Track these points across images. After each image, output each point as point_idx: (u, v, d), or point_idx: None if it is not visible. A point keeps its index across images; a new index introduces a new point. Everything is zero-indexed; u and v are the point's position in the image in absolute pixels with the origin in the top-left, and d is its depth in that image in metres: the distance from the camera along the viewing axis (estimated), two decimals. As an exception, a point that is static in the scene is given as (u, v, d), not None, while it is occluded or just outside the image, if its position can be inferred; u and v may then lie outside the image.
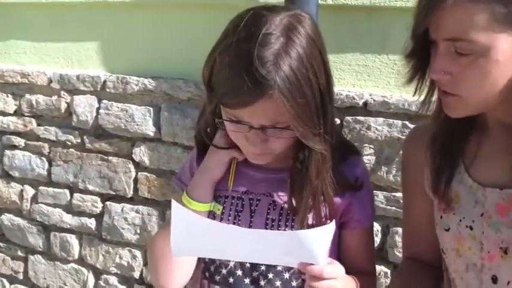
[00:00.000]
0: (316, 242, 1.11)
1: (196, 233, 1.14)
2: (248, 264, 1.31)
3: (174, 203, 1.10)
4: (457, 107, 1.11)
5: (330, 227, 1.11)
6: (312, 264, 1.13)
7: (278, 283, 1.30)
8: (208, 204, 1.31)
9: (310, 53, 1.13)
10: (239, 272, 1.31)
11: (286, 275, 1.31)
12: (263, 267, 1.30)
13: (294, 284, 1.31)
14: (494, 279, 1.16)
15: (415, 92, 1.21)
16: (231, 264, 1.32)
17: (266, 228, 1.30)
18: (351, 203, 1.33)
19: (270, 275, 1.30)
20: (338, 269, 1.18)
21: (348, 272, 1.30)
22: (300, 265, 1.14)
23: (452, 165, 1.21)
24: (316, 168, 1.23)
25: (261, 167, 1.33)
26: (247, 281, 1.31)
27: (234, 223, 1.31)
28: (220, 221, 1.32)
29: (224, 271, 1.32)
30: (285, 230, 1.29)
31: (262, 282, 1.30)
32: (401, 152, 1.90)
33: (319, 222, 1.28)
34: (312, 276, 1.13)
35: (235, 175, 1.35)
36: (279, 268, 1.30)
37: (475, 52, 1.02)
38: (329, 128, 1.21)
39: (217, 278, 1.33)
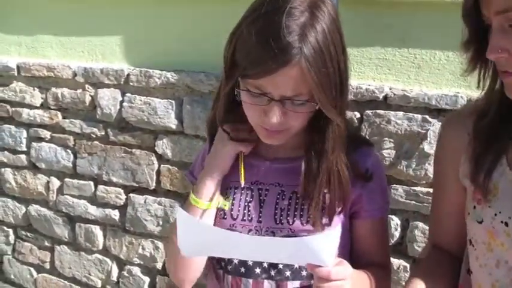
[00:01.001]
0: (323, 246, 1.12)
1: (202, 238, 1.17)
2: None
3: (179, 210, 1.14)
4: None
5: (336, 232, 1.12)
6: (320, 265, 1.13)
7: (288, 273, 1.32)
8: (216, 202, 1.32)
9: (332, 30, 1.16)
10: (250, 262, 1.33)
11: (296, 265, 1.32)
12: None
13: (303, 273, 1.32)
14: None
15: (478, 84, 1.17)
16: None
17: (275, 219, 1.31)
18: (361, 193, 1.34)
19: (280, 265, 1.32)
20: (346, 269, 1.18)
21: (360, 263, 1.31)
22: (308, 266, 1.15)
23: (495, 156, 1.17)
24: (333, 141, 1.25)
25: (270, 157, 1.35)
26: (258, 270, 1.32)
27: (243, 214, 1.33)
28: (230, 212, 1.34)
29: (236, 261, 1.34)
30: (293, 219, 1.30)
31: (272, 272, 1.32)
32: (421, 146, 1.91)
33: (332, 212, 1.30)
34: (319, 278, 1.14)
35: (245, 165, 1.36)
36: None
37: None
38: (344, 105, 1.24)
39: (229, 268, 1.35)
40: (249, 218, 1.33)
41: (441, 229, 1.39)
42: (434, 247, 1.42)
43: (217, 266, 1.39)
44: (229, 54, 1.23)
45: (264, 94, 1.17)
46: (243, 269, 1.34)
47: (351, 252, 1.40)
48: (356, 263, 1.31)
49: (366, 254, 1.39)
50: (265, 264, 1.32)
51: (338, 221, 1.32)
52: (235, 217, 1.34)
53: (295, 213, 1.31)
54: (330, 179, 1.28)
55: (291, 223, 1.31)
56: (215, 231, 1.21)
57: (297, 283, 1.32)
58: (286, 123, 1.21)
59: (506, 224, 1.14)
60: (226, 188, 1.37)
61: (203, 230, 1.18)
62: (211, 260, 1.39)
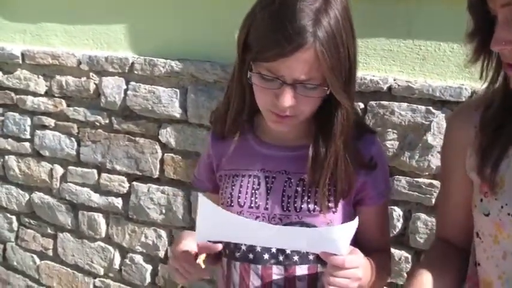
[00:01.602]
0: (340, 237, 1.15)
1: (221, 224, 1.21)
2: None
3: (201, 197, 1.18)
4: None
5: (354, 223, 1.15)
6: (333, 254, 1.16)
7: (296, 257, 1.35)
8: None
9: (343, 17, 1.20)
10: (258, 248, 1.35)
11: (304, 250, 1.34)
12: None
13: (311, 257, 1.35)
14: None
15: (480, 75, 1.18)
16: None
17: (282, 206, 1.33)
18: (366, 181, 1.36)
19: (288, 250, 1.34)
20: (359, 257, 1.21)
21: (363, 247, 1.33)
22: (322, 254, 1.18)
23: (501, 148, 1.18)
24: (341, 125, 1.27)
25: (276, 145, 1.36)
26: (266, 256, 1.34)
27: (251, 201, 1.35)
28: (237, 200, 1.36)
29: (244, 247, 1.36)
30: (301, 206, 1.33)
31: (281, 257, 1.34)
32: (424, 137, 1.91)
33: (338, 197, 1.32)
34: (333, 266, 1.16)
35: (251, 154, 1.39)
36: None
37: None
38: (353, 90, 1.28)
39: (237, 254, 1.37)
40: (256, 205, 1.35)
41: (448, 222, 1.40)
42: (439, 239, 1.43)
43: (223, 253, 1.41)
44: (242, 38, 1.26)
45: (277, 78, 1.18)
46: (251, 255, 1.35)
47: (355, 238, 1.42)
48: (360, 248, 1.33)
49: (369, 239, 1.41)
50: (273, 250, 1.34)
51: (345, 207, 1.34)
52: (242, 204, 1.36)
53: (303, 200, 1.33)
54: (337, 163, 1.29)
55: (298, 210, 1.33)
56: (237, 219, 1.25)
57: (305, 267, 1.35)
58: (296, 108, 1.22)
59: None
60: (234, 175, 1.38)
61: (225, 217, 1.21)
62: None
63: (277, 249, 1.34)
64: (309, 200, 1.33)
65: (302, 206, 1.33)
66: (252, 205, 1.35)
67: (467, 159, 1.26)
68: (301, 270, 1.35)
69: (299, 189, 1.34)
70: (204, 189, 1.54)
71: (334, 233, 1.15)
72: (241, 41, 1.26)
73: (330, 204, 1.32)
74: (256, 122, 1.41)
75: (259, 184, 1.36)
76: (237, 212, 1.36)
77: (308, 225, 1.32)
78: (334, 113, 1.27)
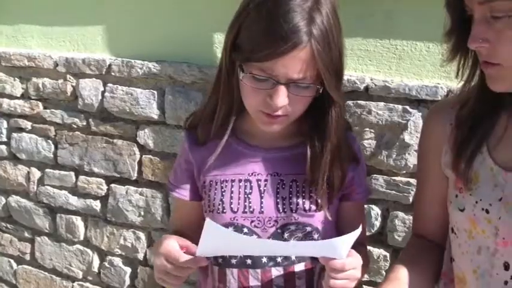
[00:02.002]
0: (341, 246, 1.17)
1: (225, 242, 1.19)
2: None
3: (208, 220, 1.13)
4: (499, 79, 1.09)
5: (357, 232, 1.16)
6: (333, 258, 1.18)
7: (293, 257, 1.35)
8: None
9: (334, 16, 1.22)
10: None
11: None
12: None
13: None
14: (507, 266, 1.15)
15: (457, 74, 1.20)
16: None
17: (277, 208, 1.34)
18: (353, 176, 1.39)
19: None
20: (357, 259, 1.22)
21: None
22: (321, 259, 1.19)
23: (476, 144, 1.20)
24: (336, 123, 1.29)
25: (265, 147, 1.36)
26: (264, 259, 1.34)
27: (244, 206, 1.34)
28: (230, 206, 1.35)
29: (240, 254, 1.35)
30: (296, 207, 1.33)
31: (279, 259, 1.34)
32: (401, 136, 1.93)
33: (334, 193, 1.35)
34: (333, 269, 1.17)
35: (237, 158, 1.38)
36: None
37: (510, 12, 1.00)
38: (342, 88, 1.30)
39: (234, 261, 1.36)
40: (251, 210, 1.34)
41: (424, 218, 1.42)
42: (415, 236, 1.45)
43: (213, 262, 1.40)
44: (231, 38, 1.25)
45: (270, 77, 1.18)
46: (249, 261, 1.35)
47: (336, 231, 1.44)
48: None
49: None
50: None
51: (335, 203, 1.36)
52: (235, 210, 1.35)
53: (298, 200, 1.33)
54: (333, 161, 1.31)
55: (293, 211, 1.33)
56: (244, 239, 1.25)
57: (302, 265, 1.36)
58: (288, 108, 1.23)
59: (487, 211, 1.16)
60: (224, 180, 1.38)
61: (231, 238, 1.19)
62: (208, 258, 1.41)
63: None
64: (304, 200, 1.33)
65: (297, 206, 1.33)
66: (246, 210, 1.34)
67: (442, 156, 1.28)
68: (299, 267, 1.36)
69: (292, 190, 1.34)
70: (182, 197, 1.48)
71: (337, 244, 1.16)
72: (230, 41, 1.25)
73: (324, 203, 1.34)
74: (241, 125, 1.39)
75: (251, 188, 1.35)
76: (230, 218, 1.35)
77: (304, 225, 1.34)
78: (328, 111, 1.29)
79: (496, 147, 1.19)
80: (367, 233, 2.04)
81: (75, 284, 2.77)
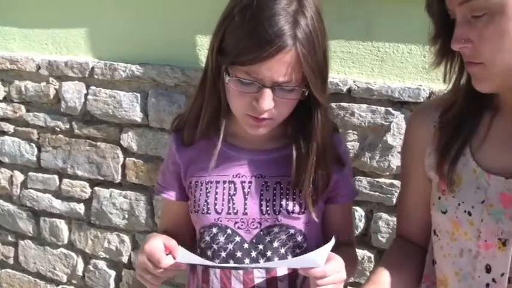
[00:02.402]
0: (316, 259, 1.18)
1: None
2: (246, 246, 1.35)
3: (180, 249, 1.22)
4: (483, 78, 1.09)
5: (331, 243, 1.19)
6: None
7: (276, 259, 1.36)
8: None
9: (318, 20, 1.22)
10: (239, 254, 1.35)
11: (282, 250, 1.36)
12: (261, 247, 1.35)
13: (289, 257, 1.37)
14: (488, 269, 1.15)
15: (444, 78, 1.21)
16: (230, 247, 1.36)
17: (261, 210, 1.34)
18: (338, 179, 1.40)
19: (269, 253, 1.35)
20: (338, 262, 1.23)
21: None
22: (301, 271, 1.20)
23: (459, 146, 1.20)
24: (321, 124, 1.30)
25: (250, 149, 1.37)
26: (247, 261, 1.35)
27: (228, 207, 1.36)
28: (214, 207, 1.36)
29: (223, 254, 1.36)
30: (279, 209, 1.34)
31: (261, 261, 1.35)
32: (384, 138, 1.94)
33: (318, 196, 1.35)
34: (315, 277, 1.18)
35: (223, 160, 1.38)
36: (275, 245, 1.35)
37: (489, 10, 1.01)
38: (326, 88, 1.31)
39: (217, 261, 1.37)
40: (234, 211, 1.35)
41: (408, 220, 1.42)
42: (399, 237, 1.45)
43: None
44: (216, 42, 1.25)
45: (255, 81, 1.18)
46: (231, 261, 1.35)
47: (323, 233, 1.45)
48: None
49: (338, 234, 1.42)
50: (253, 254, 1.35)
51: (319, 205, 1.36)
52: (219, 211, 1.36)
53: (281, 203, 1.34)
54: (319, 162, 1.32)
55: (277, 213, 1.34)
56: (216, 266, 1.32)
57: (285, 268, 1.37)
58: (274, 111, 1.23)
59: (470, 214, 1.16)
60: (207, 182, 1.38)
61: (204, 263, 1.28)
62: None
63: (257, 253, 1.35)
64: (287, 202, 1.34)
65: (281, 208, 1.34)
66: (230, 211, 1.35)
67: (426, 158, 1.28)
68: (282, 270, 1.36)
69: (276, 192, 1.35)
70: (169, 198, 1.50)
71: (312, 258, 1.17)
72: (216, 45, 1.25)
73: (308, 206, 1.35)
74: (228, 126, 1.39)
75: (235, 190, 1.36)
76: (214, 219, 1.36)
77: (288, 227, 1.34)
78: (313, 113, 1.29)
79: (479, 149, 1.19)
80: (351, 235, 2.05)
81: (59, 287, 2.75)
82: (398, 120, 1.92)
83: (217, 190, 1.37)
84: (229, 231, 1.36)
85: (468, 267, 1.19)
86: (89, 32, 2.49)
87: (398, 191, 1.96)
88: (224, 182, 1.37)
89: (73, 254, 2.68)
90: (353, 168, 1.99)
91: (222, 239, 1.36)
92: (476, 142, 1.19)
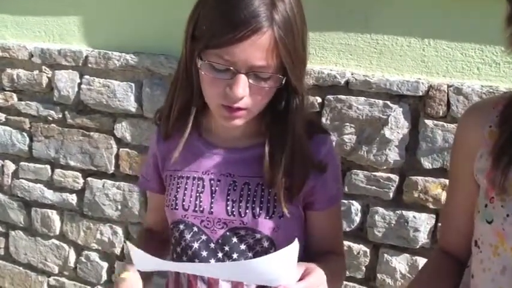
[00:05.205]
0: (283, 263, 1.10)
1: (157, 266, 1.21)
2: (213, 246, 1.31)
3: (129, 245, 1.17)
4: None
5: (294, 246, 1.09)
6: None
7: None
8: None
9: (297, 6, 1.17)
10: (204, 253, 1.31)
11: (250, 254, 1.30)
12: (227, 248, 1.30)
13: None
14: None
15: None
16: (196, 245, 1.32)
17: (227, 210, 1.29)
18: (315, 185, 1.31)
19: (235, 255, 1.30)
20: (318, 274, 1.17)
21: (316, 252, 1.31)
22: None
23: None
24: (298, 114, 1.24)
25: (222, 146, 1.33)
26: (212, 261, 1.30)
27: (195, 204, 1.31)
28: (182, 203, 1.32)
29: (190, 252, 1.32)
30: (245, 211, 1.28)
31: (227, 262, 1.30)
32: (382, 131, 1.92)
33: (292, 196, 1.29)
34: None
35: (195, 156, 1.34)
36: (242, 247, 1.30)
37: None
38: (304, 77, 1.25)
39: (185, 258, 1.33)
40: (201, 209, 1.31)
41: (451, 227, 1.31)
42: (438, 251, 1.35)
43: (171, 256, 1.38)
44: (190, 28, 1.21)
45: (229, 67, 1.14)
46: (197, 260, 1.31)
47: (306, 241, 1.39)
48: (312, 252, 1.30)
49: (321, 243, 1.38)
50: (219, 255, 1.30)
51: (294, 211, 1.31)
52: (186, 208, 1.32)
53: (247, 205, 1.28)
54: (293, 160, 1.26)
55: (242, 215, 1.28)
56: (168, 264, 1.25)
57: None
58: (249, 100, 1.18)
59: None
60: (180, 176, 1.34)
61: (156, 262, 1.19)
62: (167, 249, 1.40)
63: (224, 254, 1.30)
64: (253, 205, 1.28)
65: (247, 210, 1.28)
66: (196, 209, 1.31)
67: (476, 161, 1.17)
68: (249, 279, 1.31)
69: (243, 193, 1.29)
70: (151, 190, 1.49)
71: (275, 260, 1.09)
72: (189, 32, 1.21)
73: (276, 210, 1.28)
74: (203, 122, 1.35)
75: (203, 187, 1.31)
76: (181, 215, 1.32)
77: (254, 231, 1.29)
78: (290, 101, 1.24)
79: None
80: (347, 229, 2.03)
81: (51, 279, 2.73)
82: (396, 114, 1.90)
83: (186, 186, 1.33)
84: (195, 229, 1.31)
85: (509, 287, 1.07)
86: (82, 20, 2.45)
87: (395, 185, 1.95)
88: (194, 179, 1.33)
89: (65, 245, 2.65)
90: (350, 162, 1.98)
91: (188, 236, 1.32)
92: None
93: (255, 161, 1.29)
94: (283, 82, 1.18)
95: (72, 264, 2.66)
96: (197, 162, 1.34)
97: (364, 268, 2.06)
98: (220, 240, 1.30)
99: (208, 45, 1.14)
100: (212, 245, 1.30)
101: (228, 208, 1.29)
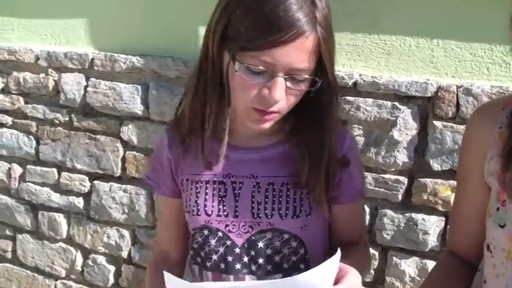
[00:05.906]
0: (327, 275, 1.06)
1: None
2: (238, 250, 1.29)
3: (166, 275, 1.06)
4: None
5: (336, 257, 1.06)
6: None
7: (269, 267, 1.28)
8: None
9: (328, 5, 1.17)
10: (230, 258, 1.29)
11: (277, 258, 1.29)
12: (253, 253, 1.28)
13: (285, 265, 1.29)
14: None
15: None
16: (221, 250, 1.30)
17: (252, 213, 1.27)
18: (340, 178, 1.31)
19: (261, 260, 1.28)
20: (353, 275, 1.11)
21: (341, 244, 1.29)
22: None
23: None
24: (335, 114, 1.26)
25: (240, 147, 1.30)
26: (238, 266, 1.28)
27: (218, 209, 1.29)
28: (204, 208, 1.29)
29: (215, 257, 1.30)
30: (272, 213, 1.26)
31: (253, 267, 1.28)
32: (390, 133, 1.90)
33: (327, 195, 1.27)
34: None
35: (213, 158, 1.30)
36: (268, 252, 1.28)
37: None
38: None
39: (209, 264, 1.31)
40: (225, 214, 1.28)
41: (460, 231, 1.29)
42: (447, 255, 1.33)
43: (191, 261, 1.35)
44: (220, 29, 1.15)
45: (267, 69, 1.10)
46: (222, 265, 1.29)
47: (330, 234, 1.39)
48: (337, 244, 1.29)
49: (345, 234, 1.37)
50: (245, 259, 1.28)
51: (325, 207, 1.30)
52: (209, 213, 1.29)
53: (273, 206, 1.26)
54: (330, 161, 1.24)
55: (269, 217, 1.26)
56: (215, 285, 1.20)
57: (279, 276, 1.27)
58: (283, 103, 1.15)
59: None
60: (198, 181, 1.32)
61: (202, 286, 1.16)
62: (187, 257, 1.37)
63: (249, 259, 1.28)
64: (280, 206, 1.27)
65: (273, 212, 1.26)
66: (220, 213, 1.29)
67: (486, 163, 1.15)
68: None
69: (268, 194, 1.27)
70: (162, 194, 1.45)
71: (320, 274, 1.04)
72: (218, 32, 1.16)
73: (303, 208, 1.28)
74: (215, 122, 1.30)
75: (225, 191, 1.29)
76: (205, 220, 1.30)
77: (282, 232, 1.27)
78: (327, 103, 1.23)
79: None
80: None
81: (58, 282, 2.72)
82: (405, 115, 1.88)
83: (207, 191, 1.30)
84: (220, 234, 1.30)
85: None
86: (88, 23, 2.45)
87: (403, 187, 1.93)
88: (214, 182, 1.30)
89: (72, 248, 2.64)
90: (358, 164, 1.96)
91: (213, 241, 1.30)
92: None
93: (277, 159, 1.28)
94: (319, 84, 1.16)
95: (79, 268, 2.65)
96: (216, 165, 1.30)
97: (372, 271, 2.04)
98: (245, 245, 1.28)
99: (246, 47, 1.11)
100: (237, 250, 1.29)
101: (254, 211, 1.27)
